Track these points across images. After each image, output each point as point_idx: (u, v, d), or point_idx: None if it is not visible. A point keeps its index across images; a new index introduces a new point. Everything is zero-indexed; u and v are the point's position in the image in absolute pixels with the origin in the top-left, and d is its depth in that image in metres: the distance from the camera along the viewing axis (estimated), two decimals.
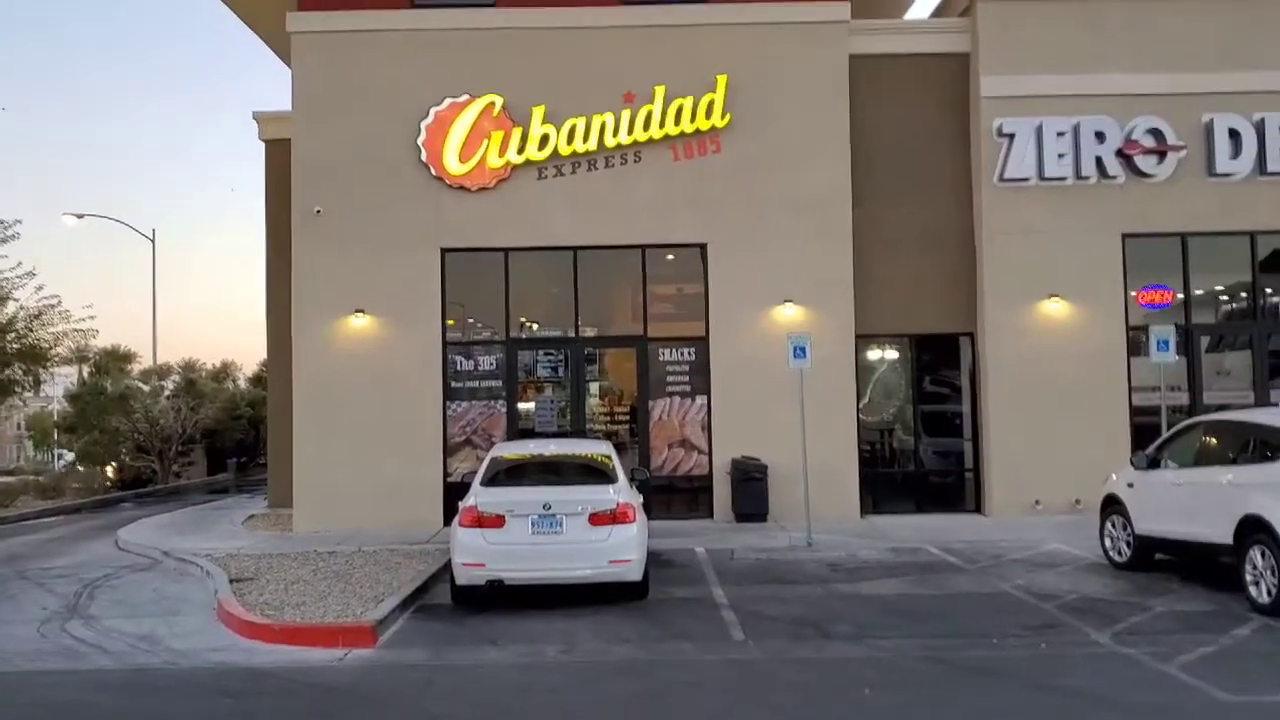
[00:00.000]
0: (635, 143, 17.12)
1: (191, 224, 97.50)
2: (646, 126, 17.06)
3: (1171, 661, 8.98)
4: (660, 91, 17.05)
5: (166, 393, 30.45)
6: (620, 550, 11.22)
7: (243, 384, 34.83)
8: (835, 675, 8.98)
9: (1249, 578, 10.81)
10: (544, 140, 17.05)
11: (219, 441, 31.68)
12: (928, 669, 9.07)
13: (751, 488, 16.74)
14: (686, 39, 17.31)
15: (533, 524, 11.28)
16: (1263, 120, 17.32)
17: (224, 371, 34.65)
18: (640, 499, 12.29)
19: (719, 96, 17.09)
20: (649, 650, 9.80)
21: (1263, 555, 10.63)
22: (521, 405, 17.80)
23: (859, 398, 17.67)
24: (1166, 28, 17.49)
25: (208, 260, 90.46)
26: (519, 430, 17.49)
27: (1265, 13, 17.53)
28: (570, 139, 17.04)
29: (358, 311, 17.17)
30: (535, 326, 18.19)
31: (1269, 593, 10.53)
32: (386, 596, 11.65)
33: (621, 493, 11.71)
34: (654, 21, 17.36)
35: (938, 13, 19.10)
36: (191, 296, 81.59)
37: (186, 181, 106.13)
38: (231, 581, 12.71)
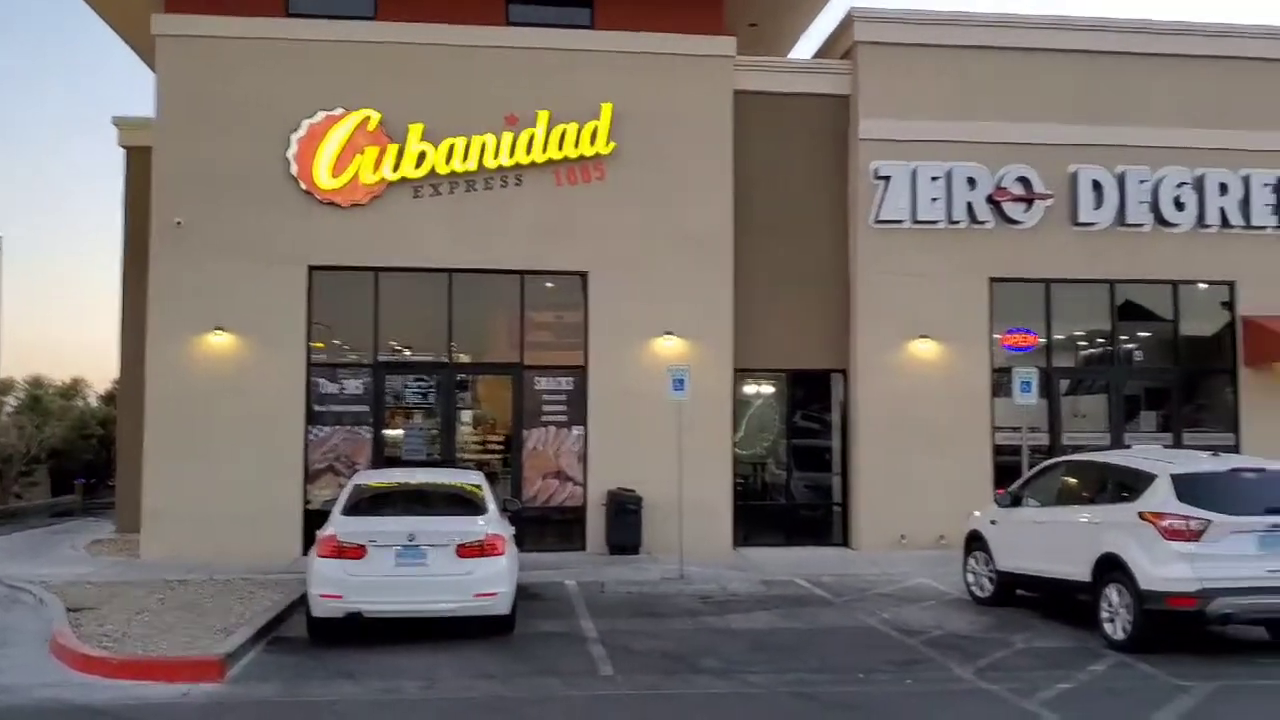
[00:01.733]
0: (516, 165, 16.88)
1: (42, 230, 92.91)
2: (529, 150, 16.84)
3: (1032, 698, 9.09)
4: (544, 115, 16.85)
5: (9, 409, 28.76)
6: (488, 583, 10.89)
7: (94, 402, 33.14)
8: (703, 711, 8.85)
9: (1105, 615, 11.07)
10: (421, 158, 16.67)
11: (66, 462, 30.03)
12: (795, 704, 8.99)
13: (626, 520, 16.55)
14: (572, 64, 17.19)
15: (396, 555, 10.85)
16: (1124, 173, 18.03)
17: (74, 388, 32.92)
18: (511, 530, 11.98)
19: (603, 124, 17.00)
20: (514, 686, 9.50)
21: (1118, 593, 10.90)
22: (389, 432, 17.26)
23: (734, 431, 17.67)
24: (1036, 80, 18.10)
25: (61, 269, 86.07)
26: (385, 458, 16.93)
27: (1128, 70, 18.28)
28: (449, 158, 16.70)
29: (217, 329, 16.45)
30: (406, 351, 17.69)
31: (1124, 630, 10.80)
32: (238, 628, 11.06)
33: (491, 524, 11.39)
34: (539, 44, 17.19)
35: (821, 54, 19.41)
36: (44, 307, 77.57)
37: (39, 185, 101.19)
38: (69, 611, 11.90)
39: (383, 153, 16.65)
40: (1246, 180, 18.25)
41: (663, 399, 15.43)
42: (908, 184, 17.68)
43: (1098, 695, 9.32)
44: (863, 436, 17.61)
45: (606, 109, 17.02)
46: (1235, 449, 17.56)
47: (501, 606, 11.03)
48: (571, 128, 16.93)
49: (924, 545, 17.04)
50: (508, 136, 16.84)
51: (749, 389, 18.37)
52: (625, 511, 16.54)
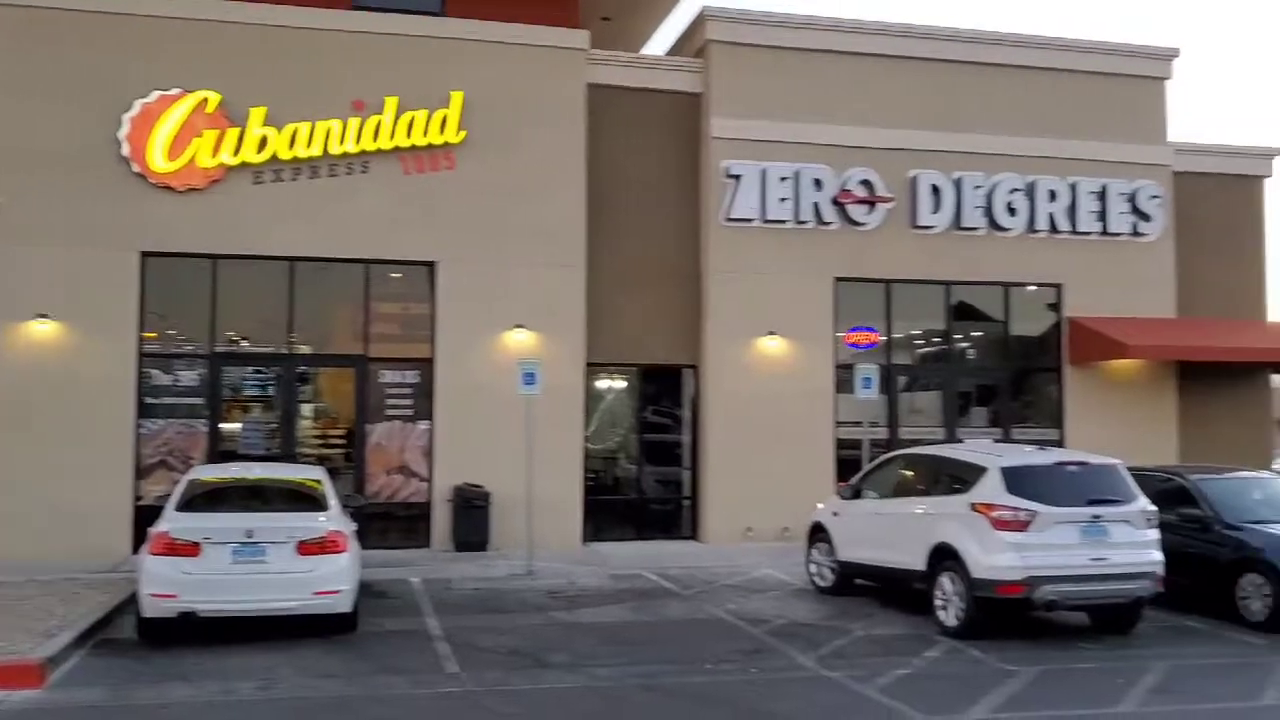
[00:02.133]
0: (363, 152, 16.45)
1: None
2: (376, 136, 16.44)
3: (870, 684, 9.36)
4: (392, 102, 16.48)
5: None
6: (330, 581, 10.61)
7: None
8: (550, 706, 8.81)
9: (938, 602, 11.48)
10: (263, 143, 16.09)
11: None
12: (644, 697, 9.03)
13: (473, 515, 16.34)
14: (421, 51, 16.85)
15: (233, 552, 10.46)
16: (960, 179, 18.74)
17: None
18: (354, 527, 11.72)
19: (454, 112, 16.73)
20: (357, 685, 9.26)
21: (951, 581, 11.32)
22: (225, 426, 16.60)
23: (585, 426, 17.65)
24: (880, 86, 18.64)
25: None
26: (222, 453, 16.29)
27: (966, 79, 19.00)
28: (292, 143, 16.16)
29: (40, 317, 15.53)
30: (244, 342, 17.05)
31: (957, 617, 11.23)
32: (60, 631, 10.46)
33: (333, 520, 11.10)
34: (388, 29, 16.79)
35: (674, 51, 19.55)
36: None
37: None
38: None
39: (222, 136, 16.01)
40: (1074, 188, 19.20)
41: (512, 393, 15.29)
42: (757, 183, 17.97)
43: (931, 680, 9.65)
44: (712, 431, 17.84)
45: (457, 97, 16.76)
46: (1060, 443, 18.47)
47: (344, 605, 10.76)
48: (421, 115, 16.61)
49: (769, 537, 17.36)
50: (354, 123, 16.40)
51: (601, 383, 18.40)
52: (472, 507, 16.34)
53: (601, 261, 17.52)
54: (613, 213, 17.71)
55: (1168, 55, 20.11)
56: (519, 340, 16.94)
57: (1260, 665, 10.26)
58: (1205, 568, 12.18)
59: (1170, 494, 12.76)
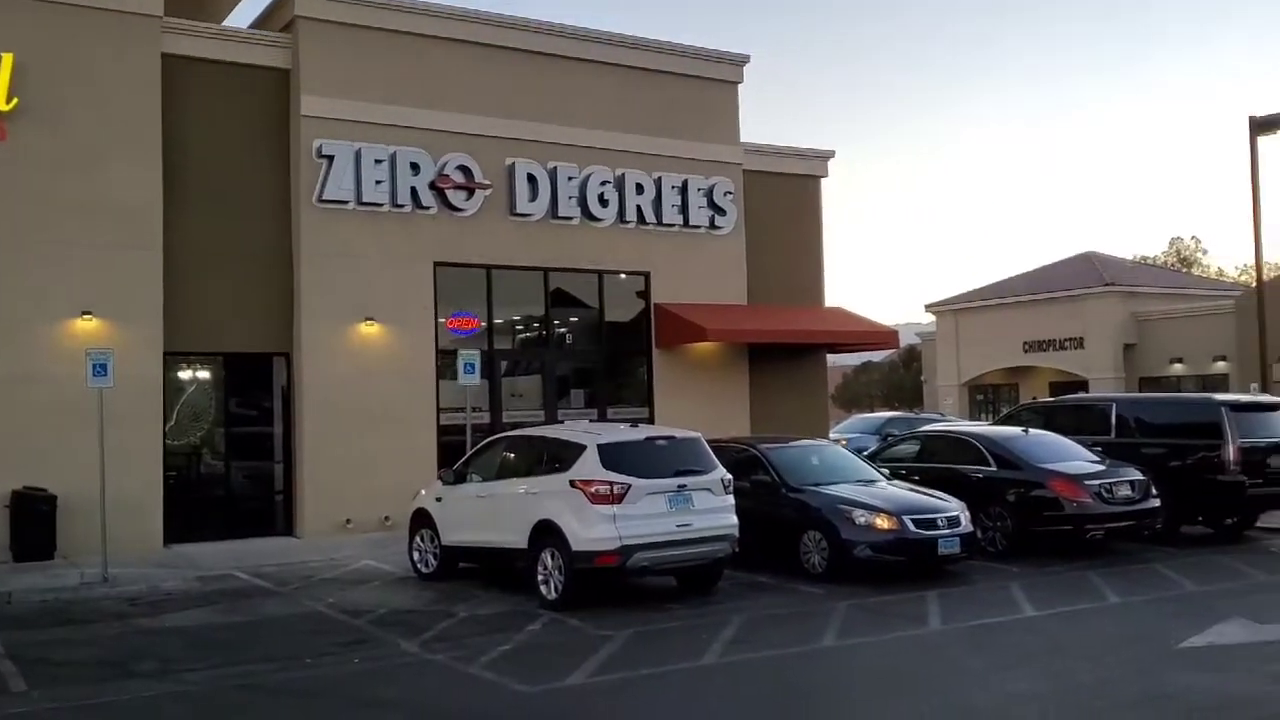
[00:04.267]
0: None
1: None
2: None
3: (475, 663, 9.50)
4: None
5: None
6: None
7: None
8: (138, 716, 8.22)
9: (540, 577, 11.85)
10: None
11: None
12: (242, 697, 8.64)
13: (35, 522, 14.71)
14: None
15: None
16: (556, 169, 19.31)
17: None
18: None
19: (3, 77, 14.91)
20: None
21: (552, 556, 11.73)
22: None
23: (165, 420, 16.42)
24: (478, 73, 18.77)
25: None
26: None
27: (561, 73, 19.54)
28: None
29: None
30: None
31: (557, 590, 11.65)
32: None
33: None
34: None
35: (259, 24, 18.54)
36: None
37: None
38: None
39: None
40: (659, 183, 20.36)
41: (80, 386, 13.98)
42: (351, 165, 17.53)
43: (533, 652, 9.95)
44: (307, 421, 17.21)
45: (8, 60, 14.97)
46: (650, 420, 19.58)
47: None
48: None
49: (370, 528, 17.05)
50: None
51: (182, 374, 17.21)
52: (34, 513, 14.74)
53: (182, 243, 16.34)
54: (195, 192, 16.58)
55: (740, 60, 21.84)
56: (87, 328, 15.45)
57: (820, 613, 11.42)
58: (774, 528, 13.46)
59: (744, 462, 13.98)
